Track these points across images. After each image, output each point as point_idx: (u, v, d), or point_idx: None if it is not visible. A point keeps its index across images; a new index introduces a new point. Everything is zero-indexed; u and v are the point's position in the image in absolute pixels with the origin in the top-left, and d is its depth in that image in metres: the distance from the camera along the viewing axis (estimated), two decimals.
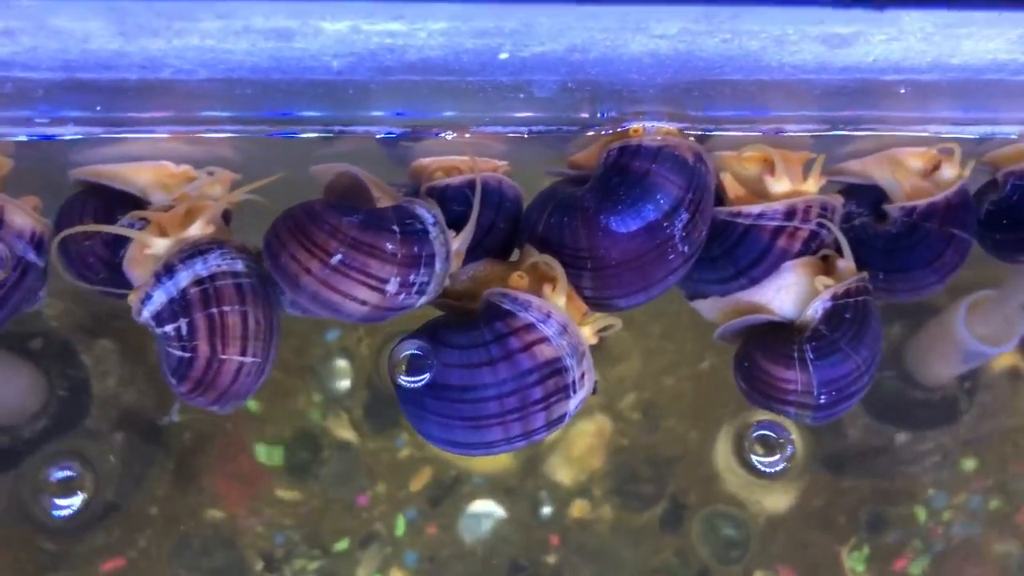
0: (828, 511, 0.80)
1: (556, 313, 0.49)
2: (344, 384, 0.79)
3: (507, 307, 0.49)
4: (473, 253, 0.53)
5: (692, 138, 0.54)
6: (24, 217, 0.52)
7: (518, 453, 0.79)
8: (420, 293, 0.48)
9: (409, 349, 0.49)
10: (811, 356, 0.52)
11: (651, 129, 0.53)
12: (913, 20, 0.46)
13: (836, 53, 0.48)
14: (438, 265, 0.48)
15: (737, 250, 0.55)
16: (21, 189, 0.54)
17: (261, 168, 0.52)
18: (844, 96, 0.52)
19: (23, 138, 0.52)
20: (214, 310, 0.48)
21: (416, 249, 0.47)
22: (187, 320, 0.48)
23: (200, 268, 0.49)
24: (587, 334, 0.51)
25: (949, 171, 0.58)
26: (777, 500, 0.80)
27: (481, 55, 0.46)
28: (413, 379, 0.49)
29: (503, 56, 0.46)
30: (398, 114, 0.52)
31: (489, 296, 0.51)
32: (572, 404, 0.50)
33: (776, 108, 0.54)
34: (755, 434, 0.76)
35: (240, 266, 0.50)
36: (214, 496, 0.77)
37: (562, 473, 0.80)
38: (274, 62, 0.45)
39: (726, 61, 0.48)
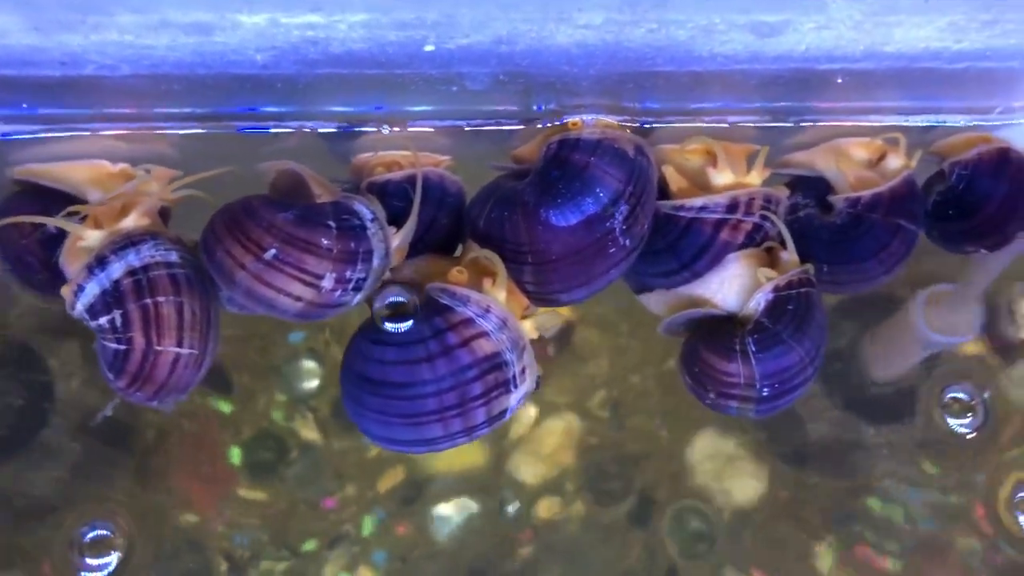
0: (794, 505, 0.80)
1: (496, 308, 0.49)
2: (312, 384, 0.79)
3: (446, 302, 0.49)
4: (415, 248, 0.53)
5: (630, 131, 0.54)
6: None
7: (487, 452, 0.79)
8: (357, 290, 0.48)
9: (392, 296, 0.49)
10: (753, 349, 0.52)
11: (591, 122, 0.53)
12: (840, 7, 0.46)
13: (767, 42, 0.48)
14: (376, 261, 0.48)
15: (680, 243, 0.54)
16: None
17: (201, 165, 0.52)
18: (780, 86, 0.51)
19: None
20: (148, 300, 0.48)
21: (353, 245, 0.47)
22: (121, 312, 0.48)
23: (133, 259, 0.49)
24: (528, 328, 0.51)
25: (894, 161, 0.57)
26: (744, 493, 0.79)
27: (406, 47, 0.45)
28: (398, 324, 0.49)
29: (429, 48, 0.46)
30: (330, 109, 0.51)
31: (429, 291, 0.50)
32: (513, 399, 0.50)
33: (714, 100, 0.54)
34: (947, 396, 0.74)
35: (174, 256, 0.50)
36: (181, 498, 0.77)
37: (531, 472, 0.79)
38: (198, 57, 0.45)
39: (656, 52, 0.48)
